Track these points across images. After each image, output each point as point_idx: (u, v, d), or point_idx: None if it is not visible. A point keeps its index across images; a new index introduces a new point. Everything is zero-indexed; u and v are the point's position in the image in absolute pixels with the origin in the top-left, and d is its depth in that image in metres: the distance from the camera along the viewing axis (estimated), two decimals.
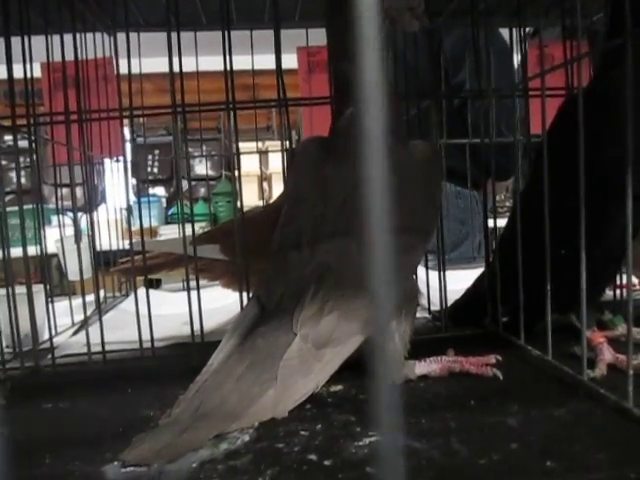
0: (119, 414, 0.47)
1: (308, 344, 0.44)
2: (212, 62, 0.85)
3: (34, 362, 0.60)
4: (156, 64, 1.04)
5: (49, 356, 0.63)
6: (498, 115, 0.64)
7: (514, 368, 0.51)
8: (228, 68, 0.59)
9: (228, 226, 0.76)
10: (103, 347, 0.62)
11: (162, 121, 3.87)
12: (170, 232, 3.16)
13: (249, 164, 3.39)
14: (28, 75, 0.68)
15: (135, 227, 0.71)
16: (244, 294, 0.61)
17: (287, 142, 0.64)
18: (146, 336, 0.61)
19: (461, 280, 0.73)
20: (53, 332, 0.76)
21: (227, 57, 0.59)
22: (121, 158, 1.08)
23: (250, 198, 3.03)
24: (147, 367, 0.60)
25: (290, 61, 1.08)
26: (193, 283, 0.62)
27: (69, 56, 0.87)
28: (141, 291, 0.96)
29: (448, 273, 0.69)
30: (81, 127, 0.62)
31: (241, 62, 1.05)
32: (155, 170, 4.46)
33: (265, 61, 1.05)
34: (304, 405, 0.44)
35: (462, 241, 1.39)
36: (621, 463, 0.33)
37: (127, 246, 0.69)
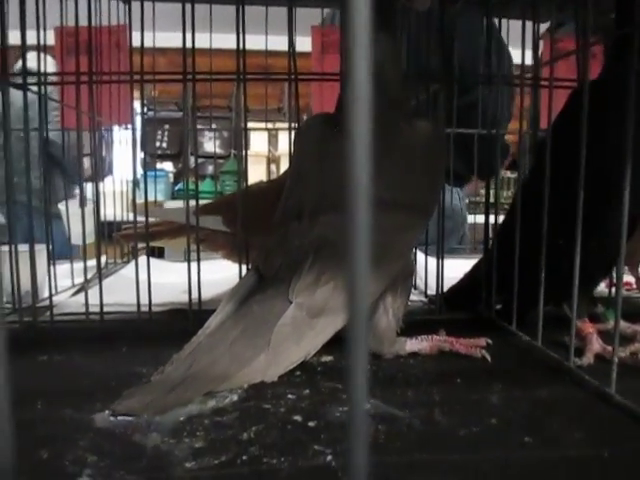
0: (112, 369, 0.48)
1: (302, 312, 0.45)
2: (225, 39, 0.85)
3: (32, 317, 0.61)
4: (170, 38, 1.04)
5: (47, 313, 0.64)
6: (485, 105, 0.64)
7: (503, 352, 0.52)
8: (241, 40, 0.59)
9: (231, 198, 0.77)
10: (101, 307, 0.63)
11: (173, 96, 3.87)
12: (175, 206, 3.18)
13: (258, 145, 3.39)
14: (41, 37, 0.69)
15: (141, 200, 0.72)
16: (244, 267, 0.62)
17: (295, 122, 0.65)
18: (144, 301, 0.62)
19: (458, 268, 0.74)
20: (53, 292, 0.77)
21: (240, 29, 0.59)
22: (130, 126, 1.09)
23: (257, 178, 3.04)
24: (143, 328, 0.61)
25: (303, 44, 1.08)
26: (194, 254, 0.63)
27: (83, 22, 0.88)
28: (142, 258, 0.98)
29: (445, 261, 0.70)
30: (91, 89, 0.63)
31: (255, 42, 1.06)
32: (164, 145, 4.46)
33: (279, 42, 1.05)
34: (294, 371, 0.45)
35: (448, 235, 1.39)
36: (597, 443, 0.34)
37: (132, 217, 0.70)
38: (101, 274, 0.67)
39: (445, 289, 0.68)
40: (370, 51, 0.43)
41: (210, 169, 4.03)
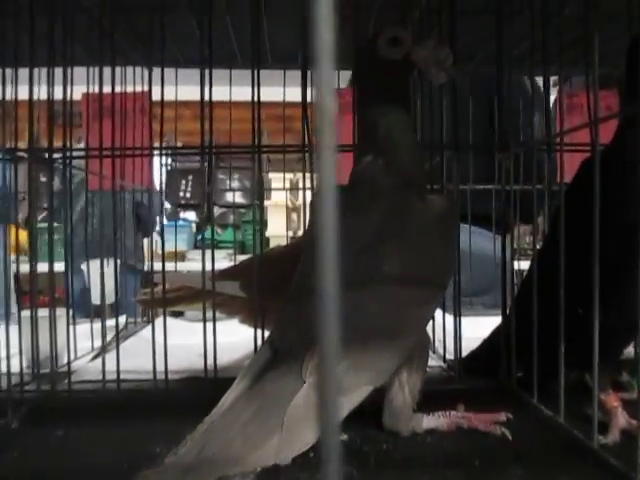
0: (126, 448, 0.48)
1: (316, 392, 0.44)
2: (245, 92, 0.88)
3: (51, 386, 0.61)
4: (193, 92, 1.07)
5: (66, 381, 0.64)
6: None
7: (524, 428, 0.50)
8: (255, 112, 0.61)
9: (249, 263, 0.78)
10: (118, 376, 0.63)
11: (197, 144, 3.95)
12: (198, 256, 3.21)
13: (279, 194, 3.43)
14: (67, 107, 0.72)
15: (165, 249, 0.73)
16: (260, 332, 0.63)
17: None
18: (161, 367, 0.62)
19: (481, 327, 0.73)
20: (72, 356, 0.78)
21: (255, 100, 0.61)
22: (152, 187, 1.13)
23: (278, 228, 3.05)
24: (159, 399, 0.61)
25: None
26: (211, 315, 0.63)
27: (109, 88, 0.91)
28: (161, 320, 0.98)
29: (469, 319, 0.69)
30: (113, 163, 0.65)
31: (273, 93, 1.08)
32: (187, 195, 4.54)
33: (297, 93, 1.08)
34: (308, 453, 0.44)
35: (488, 289, 1.37)
36: None
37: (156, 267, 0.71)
38: (118, 339, 0.67)
39: (467, 351, 0.67)
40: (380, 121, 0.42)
41: (232, 218, 4.08)
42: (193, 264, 3.17)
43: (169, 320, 1.03)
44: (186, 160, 3.93)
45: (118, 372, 0.63)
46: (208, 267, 0.65)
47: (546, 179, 0.61)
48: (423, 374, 0.50)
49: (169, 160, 3.12)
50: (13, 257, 0.76)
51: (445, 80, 0.52)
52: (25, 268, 0.65)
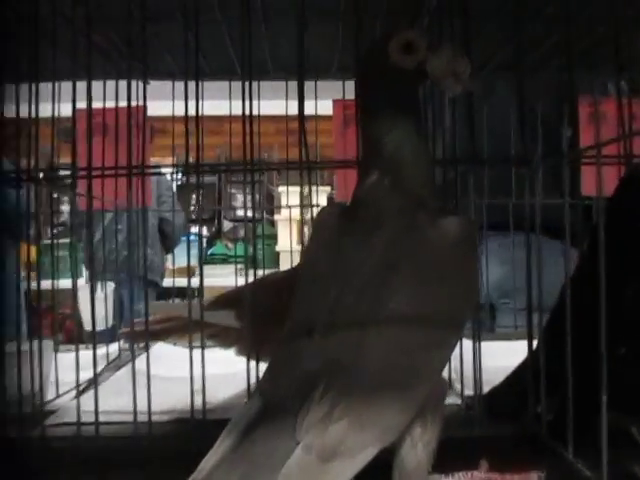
0: None
1: (312, 456, 0.37)
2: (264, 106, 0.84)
3: (19, 434, 0.55)
4: (206, 107, 1.02)
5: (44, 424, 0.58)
6: None
7: None
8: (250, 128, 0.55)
9: (243, 290, 0.71)
10: (97, 419, 0.56)
11: (209, 160, 3.93)
12: (209, 272, 3.16)
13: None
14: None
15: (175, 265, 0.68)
16: (255, 364, 0.56)
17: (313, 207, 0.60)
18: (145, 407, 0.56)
19: (503, 354, 0.65)
20: (53, 393, 0.72)
21: (248, 115, 0.55)
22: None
23: (288, 242, 2.99)
24: (140, 449, 0.54)
25: (327, 108, 1.05)
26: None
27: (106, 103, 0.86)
28: (159, 348, 0.92)
29: (489, 345, 0.62)
30: (93, 183, 0.59)
31: (277, 107, 1.03)
32: (199, 210, 4.50)
33: (309, 107, 1.03)
34: None
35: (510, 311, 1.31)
36: None
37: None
38: (97, 379, 0.61)
39: (487, 385, 0.60)
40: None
41: (242, 233, 4.03)
42: (204, 279, 3.12)
43: (166, 347, 0.97)
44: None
45: (96, 415, 0.56)
46: (217, 283, 0.60)
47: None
48: (440, 428, 0.43)
49: (179, 175, 3.10)
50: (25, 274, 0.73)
51: (460, 92, 0.46)
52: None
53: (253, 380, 0.56)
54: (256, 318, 0.60)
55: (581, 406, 0.48)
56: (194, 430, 0.55)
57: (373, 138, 0.46)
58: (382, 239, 0.42)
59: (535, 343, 0.57)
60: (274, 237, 3.53)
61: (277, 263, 3.38)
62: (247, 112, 0.55)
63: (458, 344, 0.64)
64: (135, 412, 0.56)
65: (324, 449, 0.37)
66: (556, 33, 0.68)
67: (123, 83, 0.88)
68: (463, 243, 0.43)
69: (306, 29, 0.56)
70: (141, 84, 0.93)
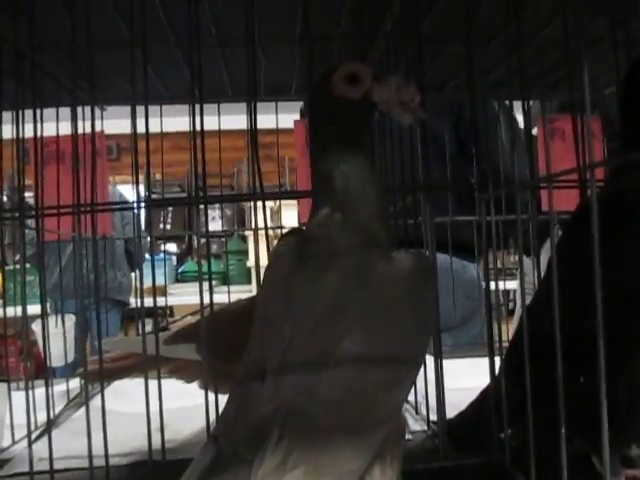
0: None
1: None
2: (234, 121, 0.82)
3: None
4: (173, 123, 1.00)
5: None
6: None
7: None
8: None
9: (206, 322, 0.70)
10: (51, 466, 0.54)
11: (177, 177, 3.89)
12: (180, 291, 3.11)
13: (261, 222, 3.34)
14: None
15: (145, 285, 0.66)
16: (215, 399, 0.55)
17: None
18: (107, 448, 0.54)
19: (464, 373, 0.65)
20: (9, 439, 0.69)
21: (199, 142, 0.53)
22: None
23: (263, 256, 2.96)
24: None
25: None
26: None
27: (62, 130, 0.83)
28: (120, 383, 0.89)
29: (451, 362, 0.61)
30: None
31: (261, 121, 1.03)
32: (168, 227, 4.47)
33: (283, 120, 1.05)
34: None
35: (471, 317, 1.32)
36: None
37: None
38: (50, 422, 0.58)
39: (452, 407, 0.59)
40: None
41: (214, 248, 4.00)
42: (174, 298, 3.07)
43: (132, 382, 0.95)
44: (165, 192, 3.86)
45: (51, 463, 0.54)
46: (189, 301, 0.58)
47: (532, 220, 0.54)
48: (399, 467, 0.42)
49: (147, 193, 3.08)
50: None
51: (412, 122, 0.45)
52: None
53: (213, 416, 0.54)
54: (216, 350, 0.58)
55: (544, 435, 0.48)
56: (152, 473, 0.53)
57: (323, 171, 0.45)
58: (333, 277, 0.41)
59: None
60: (245, 252, 3.51)
61: (249, 278, 3.35)
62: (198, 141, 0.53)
63: (422, 367, 0.64)
64: (90, 457, 0.54)
65: None
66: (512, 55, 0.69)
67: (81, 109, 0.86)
68: (416, 278, 0.43)
69: (255, 58, 0.55)
70: (97, 109, 0.92)
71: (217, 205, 4.44)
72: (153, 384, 0.56)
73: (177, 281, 3.71)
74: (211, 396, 0.56)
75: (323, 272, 0.42)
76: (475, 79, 0.64)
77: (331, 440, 0.38)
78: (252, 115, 0.54)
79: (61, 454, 0.60)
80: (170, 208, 4.48)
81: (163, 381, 0.56)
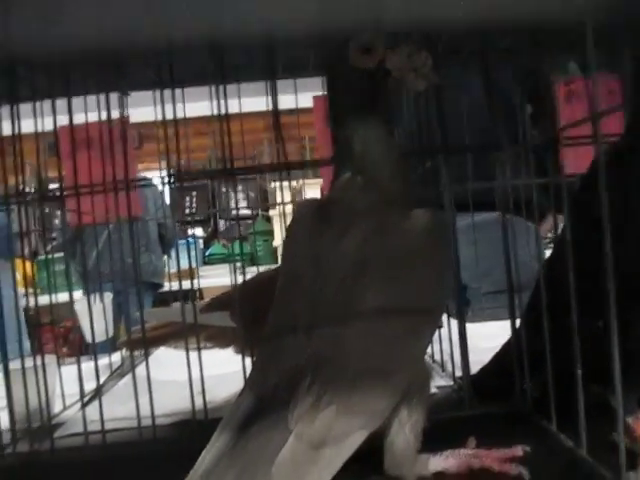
0: None
1: (303, 444, 0.39)
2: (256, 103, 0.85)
3: (29, 448, 0.57)
4: (195, 109, 1.02)
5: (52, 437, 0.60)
6: None
7: (543, 463, 0.44)
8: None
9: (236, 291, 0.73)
10: (103, 428, 0.59)
11: (200, 162, 3.94)
12: (208, 273, 3.17)
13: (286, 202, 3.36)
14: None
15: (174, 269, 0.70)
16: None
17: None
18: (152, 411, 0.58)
19: (492, 335, 0.67)
20: (60, 406, 0.74)
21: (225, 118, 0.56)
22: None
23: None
24: (146, 453, 0.56)
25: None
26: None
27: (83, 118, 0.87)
28: (160, 353, 0.94)
29: (477, 326, 0.63)
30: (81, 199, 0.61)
31: (262, 103, 1.04)
32: (193, 211, 4.51)
33: (303, 100, 1.04)
34: None
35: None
36: None
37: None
38: (100, 389, 0.63)
39: (478, 365, 0.62)
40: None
41: (240, 230, 4.03)
42: (203, 280, 3.14)
43: (167, 352, 0.99)
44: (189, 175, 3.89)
45: (102, 424, 0.59)
46: (217, 283, 0.61)
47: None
48: (426, 410, 0.45)
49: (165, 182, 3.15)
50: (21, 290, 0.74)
51: (425, 87, 0.47)
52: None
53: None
54: (248, 317, 0.62)
55: (564, 382, 0.50)
56: (196, 431, 0.57)
57: (342, 138, 0.47)
58: (355, 236, 0.44)
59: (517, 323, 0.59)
60: (270, 233, 3.55)
61: (275, 258, 3.40)
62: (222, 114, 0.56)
63: (448, 327, 0.66)
64: (139, 418, 0.58)
65: (314, 436, 0.39)
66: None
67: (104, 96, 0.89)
68: (432, 233, 0.45)
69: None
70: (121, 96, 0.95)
71: (240, 188, 4.46)
72: (192, 354, 0.61)
73: (204, 264, 3.77)
74: (247, 360, 0.59)
75: (346, 231, 0.45)
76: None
77: (359, 383, 0.41)
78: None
79: (110, 417, 0.64)
80: (194, 193, 4.51)
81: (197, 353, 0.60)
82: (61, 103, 0.70)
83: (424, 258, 0.44)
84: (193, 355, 0.62)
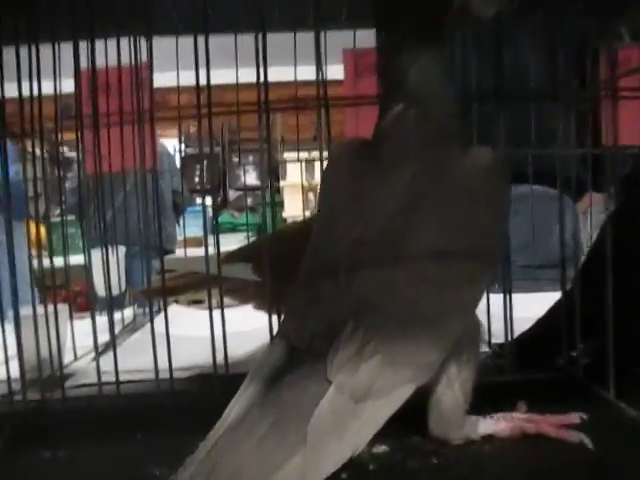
0: (121, 470, 0.40)
1: (345, 396, 0.36)
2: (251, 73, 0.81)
3: (41, 396, 0.54)
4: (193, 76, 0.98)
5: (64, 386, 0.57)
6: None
7: (604, 433, 0.40)
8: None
9: (260, 243, 0.69)
10: (117, 378, 0.55)
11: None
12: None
13: (295, 175, 3.32)
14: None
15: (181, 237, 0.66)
16: (276, 320, 0.55)
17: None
18: (168, 364, 0.55)
19: (536, 305, 0.63)
20: (71, 357, 0.71)
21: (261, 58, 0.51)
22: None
23: (295, 208, 2.96)
24: (162, 405, 0.53)
25: (334, 72, 1.00)
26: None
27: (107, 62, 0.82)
28: (174, 309, 0.91)
29: (522, 296, 0.59)
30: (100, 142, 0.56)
31: (285, 73, 0.99)
32: (204, 180, 4.49)
33: (310, 72, 1.00)
34: (339, 473, 0.35)
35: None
36: None
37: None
38: (115, 338, 0.59)
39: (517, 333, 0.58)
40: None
41: (249, 201, 4.01)
42: (212, 249, 3.12)
43: (184, 309, 0.96)
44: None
45: (117, 373, 0.55)
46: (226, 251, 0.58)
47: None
48: (476, 367, 0.41)
49: (183, 146, 3.11)
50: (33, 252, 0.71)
51: (494, 13, 0.42)
52: (47, 263, 0.60)
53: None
54: (274, 271, 0.58)
55: (621, 349, 0.46)
56: (217, 384, 0.53)
57: (397, 68, 0.42)
58: (409, 171, 0.40)
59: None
60: (280, 204, 3.51)
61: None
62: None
63: (485, 297, 0.62)
64: (156, 369, 0.55)
65: (357, 388, 0.35)
66: None
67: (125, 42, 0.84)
68: (493, 173, 0.41)
69: None
70: (144, 42, 0.90)
71: (251, 159, 4.40)
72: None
73: (213, 233, 3.74)
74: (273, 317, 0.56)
75: (397, 167, 0.40)
76: None
77: (408, 332, 0.37)
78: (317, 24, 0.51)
79: (123, 368, 0.61)
80: (205, 162, 4.46)
81: (216, 311, 0.56)
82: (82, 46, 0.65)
83: (484, 201, 0.40)
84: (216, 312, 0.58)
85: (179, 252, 2.48)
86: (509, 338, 0.57)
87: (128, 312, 0.95)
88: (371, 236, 0.39)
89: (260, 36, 0.52)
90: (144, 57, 0.84)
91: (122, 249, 1.00)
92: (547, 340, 0.56)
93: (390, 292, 0.38)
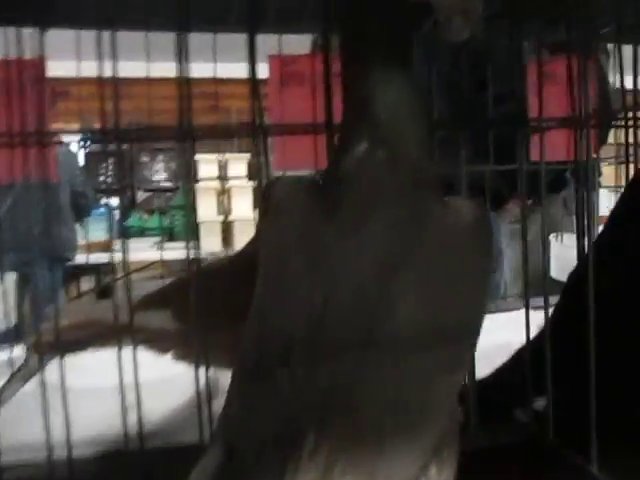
0: None
1: None
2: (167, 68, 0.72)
3: None
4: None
5: None
6: None
7: None
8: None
9: (181, 284, 0.59)
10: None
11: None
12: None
13: (207, 176, 3.16)
14: None
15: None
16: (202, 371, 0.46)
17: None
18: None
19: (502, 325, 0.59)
20: None
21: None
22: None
23: (208, 212, 2.82)
24: None
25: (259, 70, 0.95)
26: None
27: None
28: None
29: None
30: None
31: (201, 69, 0.91)
32: (108, 180, 4.27)
33: (228, 69, 0.92)
34: None
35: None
36: None
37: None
38: None
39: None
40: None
41: (159, 202, 3.83)
42: (119, 254, 2.91)
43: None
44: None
45: None
46: (133, 257, 0.48)
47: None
48: (456, 464, 0.34)
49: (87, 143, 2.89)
50: None
51: (466, 37, 0.36)
52: None
53: (201, 386, 0.46)
54: (200, 316, 0.50)
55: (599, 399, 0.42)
56: (131, 467, 0.44)
57: (361, 95, 0.34)
58: (381, 228, 0.32)
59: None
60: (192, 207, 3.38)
61: (196, 235, 3.23)
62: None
63: None
64: (50, 445, 0.44)
65: None
66: None
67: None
68: (479, 230, 0.34)
69: None
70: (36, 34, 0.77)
71: (162, 157, 4.21)
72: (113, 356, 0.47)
73: (120, 236, 3.54)
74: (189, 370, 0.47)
75: (365, 223, 0.32)
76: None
77: (385, 445, 0.29)
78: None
79: (9, 443, 0.49)
80: (110, 160, 4.25)
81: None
82: None
83: (470, 267, 0.33)
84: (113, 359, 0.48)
85: (80, 258, 2.26)
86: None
87: (19, 351, 0.81)
88: (335, 311, 0.31)
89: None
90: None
91: (12, 276, 0.86)
92: (508, 389, 0.51)
93: (361, 389, 0.30)
